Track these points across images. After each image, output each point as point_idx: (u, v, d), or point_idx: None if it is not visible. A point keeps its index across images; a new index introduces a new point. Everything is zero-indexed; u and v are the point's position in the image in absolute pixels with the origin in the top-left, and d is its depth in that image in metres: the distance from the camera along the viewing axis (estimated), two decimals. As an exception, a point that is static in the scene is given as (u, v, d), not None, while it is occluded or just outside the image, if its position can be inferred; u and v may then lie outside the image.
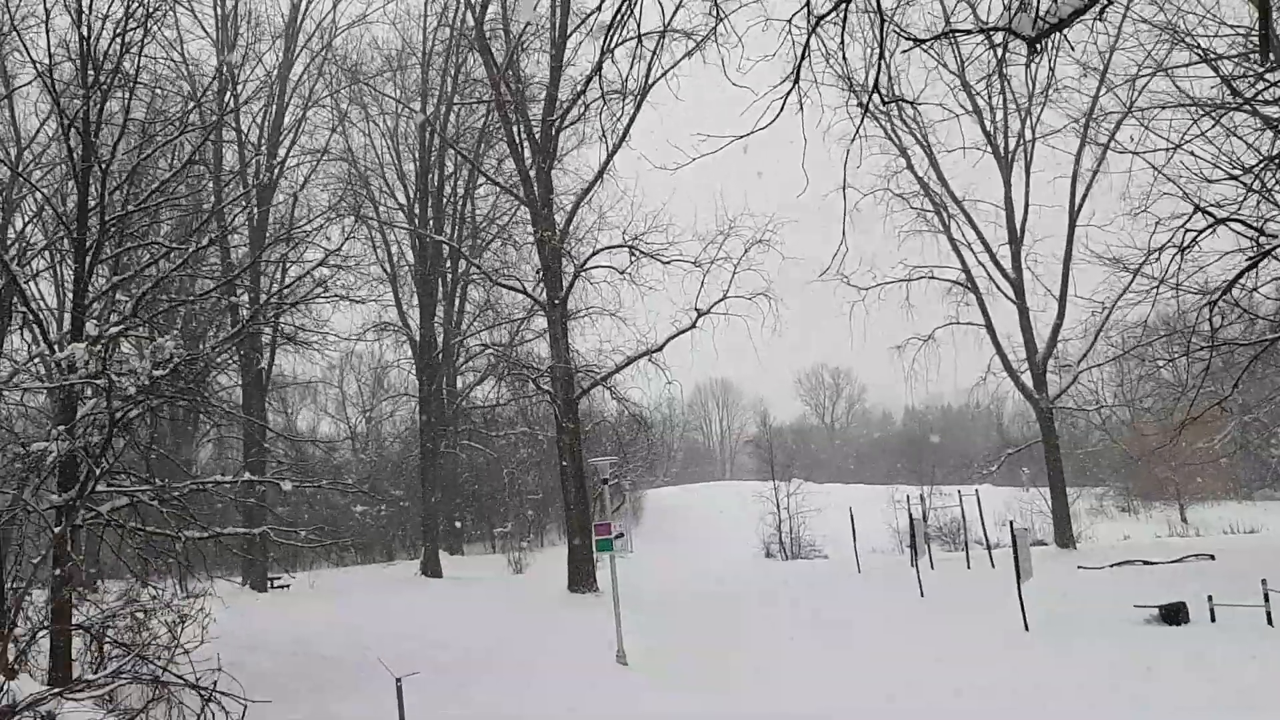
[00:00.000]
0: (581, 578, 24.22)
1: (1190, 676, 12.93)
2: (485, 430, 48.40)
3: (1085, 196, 29.51)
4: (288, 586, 31.89)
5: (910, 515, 25.09)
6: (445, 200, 36.59)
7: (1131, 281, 28.09)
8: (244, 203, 29.28)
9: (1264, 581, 15.61)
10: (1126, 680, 13.10)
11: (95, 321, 14.28)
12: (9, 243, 20.99)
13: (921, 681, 13.65)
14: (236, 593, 27.56)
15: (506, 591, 26.00)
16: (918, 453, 68.62)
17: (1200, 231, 19.57)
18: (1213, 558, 24.14)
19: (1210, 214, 21.10)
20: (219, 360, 13.73)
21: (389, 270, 35.62)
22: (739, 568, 33.97)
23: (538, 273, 25.49)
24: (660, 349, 24.90)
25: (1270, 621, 15.42)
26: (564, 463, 24.89)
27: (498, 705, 13.40)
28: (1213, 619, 16.27)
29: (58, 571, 10.96)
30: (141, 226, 15.95)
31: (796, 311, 28.54)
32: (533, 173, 24.98)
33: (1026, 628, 16.33)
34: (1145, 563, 24.33)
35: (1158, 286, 24.76)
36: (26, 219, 24.04)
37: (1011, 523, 16.73)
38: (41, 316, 13.53)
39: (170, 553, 14.11)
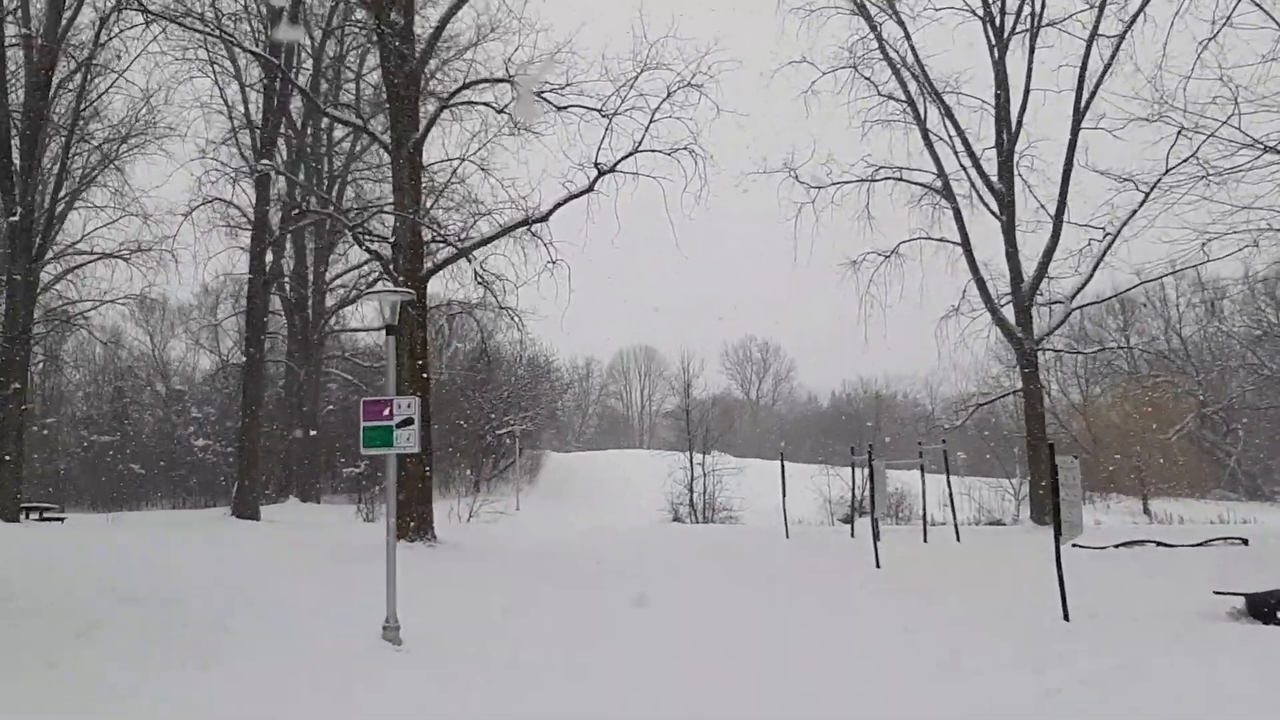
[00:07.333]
0: (413, 522, 17.58)
1: None
2: (356, 359, 41.36)
3: (1095, 92, 23.46)
4: (61, 520, 24.79)
5: (870, 469, 18.61)
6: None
7: (1143, 203, 22.49)
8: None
9: None
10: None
11: None
12: None
13: (927, 695, 7.43)
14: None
15: (319, 540, 19.22)
16: (851, 431, 62.93)
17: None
18: (1245, 542, 18.52)
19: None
20: None
21: (238, 119, 27.90)
22: (636, 529, 27.58)
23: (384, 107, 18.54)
24: (545, 218, 18.24)
25: None
26: (401, 363, 18.11)
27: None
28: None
29: None
30: None
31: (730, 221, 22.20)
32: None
33: (1066, 617, 10.18)
34: (1159, 544, 18.59)
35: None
36: None
37: (1051, 446, 10.54)
38: None
39: None
